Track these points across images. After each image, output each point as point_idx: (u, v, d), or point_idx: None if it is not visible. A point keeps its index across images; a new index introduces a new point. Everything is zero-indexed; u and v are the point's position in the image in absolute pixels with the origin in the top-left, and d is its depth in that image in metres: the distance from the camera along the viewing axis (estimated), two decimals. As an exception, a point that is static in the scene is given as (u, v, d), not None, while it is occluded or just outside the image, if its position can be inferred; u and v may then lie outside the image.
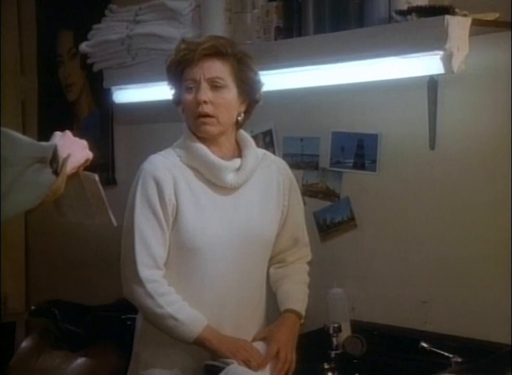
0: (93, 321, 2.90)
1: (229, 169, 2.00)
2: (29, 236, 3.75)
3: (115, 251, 3.27)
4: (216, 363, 1.91)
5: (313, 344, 2.18)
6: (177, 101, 2.07)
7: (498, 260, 2.17)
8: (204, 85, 1.96)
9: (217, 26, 2.45)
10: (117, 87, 2.90)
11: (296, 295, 2.09)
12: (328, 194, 2.53)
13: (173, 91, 2.08)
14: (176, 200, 1.96)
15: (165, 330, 1.94)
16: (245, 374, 1.89)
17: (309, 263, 2.20)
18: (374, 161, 2.40)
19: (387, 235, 2.41)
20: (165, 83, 2.66)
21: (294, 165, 2.57)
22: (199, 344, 1.93)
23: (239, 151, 2.06)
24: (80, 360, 2.79)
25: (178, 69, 2.01)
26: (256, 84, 2.03)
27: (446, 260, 2.27)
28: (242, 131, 2.09)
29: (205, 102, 1.95)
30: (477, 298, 2.20)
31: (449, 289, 2.26)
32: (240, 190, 2.03)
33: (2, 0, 3.53)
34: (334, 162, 2.50)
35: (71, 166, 1.65)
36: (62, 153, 1.62)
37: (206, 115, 1.97)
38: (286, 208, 2.11)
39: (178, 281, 1.97)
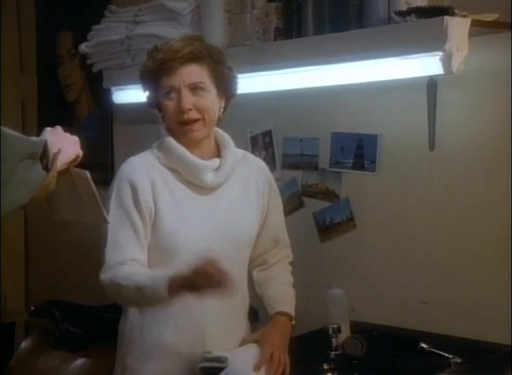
0: (93, 322, 2.90)
1: (208, 169, 2.00)
2: (29, 237, 3.75)
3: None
4: (210, 364, 1.91)
5: (312, 344, 2.18)
6: (153, 104, 2.06)
7: (498, 261, 2.17)
8: (185, 91, 1.95)
9: (217, 27, 2.45)
10: (117, 87, 2.90)
11: (284, 297, 2.09)
12: (328, 195, 2.53)
13: (147, 94, 2.07)
14: (154, 202, 1.96)
15: (141, 304, 1.94)
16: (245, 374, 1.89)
17: (290, 263, 2.20)
18: (373, 162, 2.40)
19: (387, 235, 2.41)
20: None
21: (293, 166, 2.58)
22: (176, 295, 1.84)
23: (217, 151, 2.05)
24: (80, 361, 2.79)
25: (154, 77, 1.99)
26: (232, 80, 2.04)
27: (446, 261, 2.27)
28: (220, 131, 2.09)
29: (189, 109, 1.95)
30: (477, 298, 2.20)
31: (448, 289, 2.26)
32: (219, 190, 2.03)
33: (2, 0, 3.53)
34: (333, 162, 2.50)
35: (61, 161, 1.62)
36: (53, 148, 1.60)
37: (192, 121, 1.96)
38: (266, 208, 2.12)
39: None
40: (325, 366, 2.14)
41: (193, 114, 1.95)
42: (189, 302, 1.91)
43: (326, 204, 2.53)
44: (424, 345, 2.14)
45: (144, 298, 1.88)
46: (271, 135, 2.65)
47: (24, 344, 3.01)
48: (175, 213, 1.97)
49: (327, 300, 2.28)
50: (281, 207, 2.19)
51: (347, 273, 2.47)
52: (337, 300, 2.27)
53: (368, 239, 2.46)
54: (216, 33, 2.45)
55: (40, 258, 3.72)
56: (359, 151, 2.44)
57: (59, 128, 1.70)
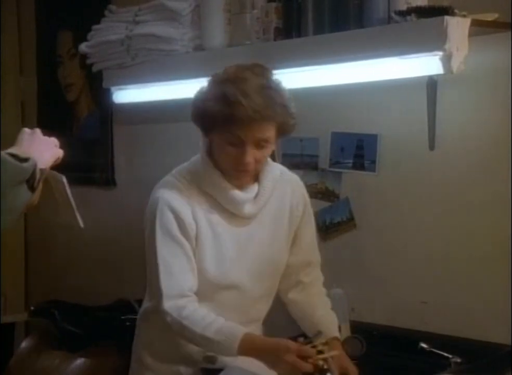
0: (93, 322, 2.90)
1: (247, 201, 1.96)
2: (29, 237, 3.75)
3: (115, 252, 3.30)
4: (211, 365, 1.92)
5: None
6: (203, 128, 1.94)
7: (497, 260, 2.17)
8: (251, 146, 1.87)
9: (217, 27, 2.45)
10: (117, 87, 2.90)
11: (334, 322, 2.06)
12: (328, 194, 2.53)
13: (201, 119, 1.92)
14: (196, 228, 1.93)
15: (205, 350, 1.92)
16: (244, 374, 1.89)
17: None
18: (373, 162, 2.40)
19: (386, 235, 2.41)
20: (164, 83, 2.70)
21: (293, 166, 2.57)
22: (245, 355, 1.87)
23: (256, 174, 1.99)
24: (79, 361, 2.79)
25: (223, 120, 1.85)
26: (294, 128, 1.95)
27: (446, 260, 2.27)
28: None
29: (250, 163, 1.90)
30: (477, 298, 2.20)
31: (448, 289, 2.26)
32: (253, 220, 2.00)
33: (2, 0, 3.53)
34: (333, 162, 2.50)
35: (40, 167, 1.60)
36: (29, 150, 1.58)
37: (248, 170, 1.93)
38: (299, 230, 2.09)
39: None
40: (325, 366, 2.13)
41: (251, 166, 1.90)
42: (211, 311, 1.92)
43: (326, 204, 2.53)
44: (424, 345, 2.14)
45: (208, 347, 1.89)
46: (271, 134, 2.65)
47: (24, 344, 3.01)
48: (214, 244, 1.94)
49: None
50: (314, 226, 2.16)
51: (347, 273, 2.47)
52: (337, 300, 2.27)
53: (368, 239, 2.45)
54: (216, 33, 2.45)
55: (40, 258, 3.71)
56: (359, 151, 2.44)
57: (37, 131, 1.68)
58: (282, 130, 1.92)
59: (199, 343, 1.89)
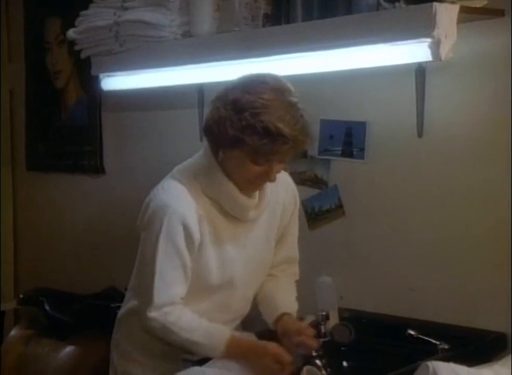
0: (82, 310, 2.90)
1: (252, 207, 1.95)
2: (18, 225, 3.74)
3: (104, 240, 3.29)
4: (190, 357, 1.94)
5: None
6: (219, 142, 1.87)
7: (485, 248, 2.17)
8: (276, 165, 1.86)
9: (205, 13, 2.43)
10: (105, 74, 2.87)
11: (293, 307, 2.08)
12: (316, 182, 2.53)
13: (223, 134, 1.83)
14: (200, 238, 1.91)
15: (188, 351, 1.93)
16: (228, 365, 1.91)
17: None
18: (362, 149, 2.40)
19: (375, 222, 2.41)
20: (153, 70, 2.68)
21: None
22: (231, 357, 1.90)
23: None
24: (68, 348, 2.80)
25: (262, 153, 1.81)
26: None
27: (434, 248, 2.28)
28: None
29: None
30: (464, 285, 2.21)
31: (436, 277, 2.27)
32: (252, 223, 2.00)
33: (-11, -12, 3.50)
34: (322, 150, 2.50)
35: None
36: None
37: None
38: (286, 229, 2.10)
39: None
40: (314, 353, 2.13)
41: (271, 182, 1.90)
42: (190, 304, 1.93)
43: (315, 191, 2.53)
44: (412, 332, 2.15)
45: (196, 351, 1.91)
46: (260, 122, 2.64)
47: (13, 332, 3.01)
48: (217, 250, 1.94)
49: (316, 288, 2.28)
50: (297, 225, 2.15)
51: (336, 261, 2.47)
52: (326, 287, 2.27)
53: (356, 226, 2.46)
54: (204, 19, 2.43)
55: (28, 246, 3.70)
56: (348, 139, 2.43)
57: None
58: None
59: (185, 346, 1.91)
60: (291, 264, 2.17)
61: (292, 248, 2.15)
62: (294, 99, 1.84)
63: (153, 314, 1.88)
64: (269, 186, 1.97)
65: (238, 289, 2.01)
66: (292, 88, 1.87)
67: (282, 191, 2.06)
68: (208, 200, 1.92)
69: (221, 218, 1.94)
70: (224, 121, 1.82)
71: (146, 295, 1.89)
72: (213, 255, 1.94)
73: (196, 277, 1.93)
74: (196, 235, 1.89)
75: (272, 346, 1.90)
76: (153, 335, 1.94)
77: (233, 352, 1.90)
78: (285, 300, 2.09)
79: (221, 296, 1.98)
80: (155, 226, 1.88)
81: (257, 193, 1.97)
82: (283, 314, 2.04)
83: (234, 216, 1.95)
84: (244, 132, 1.79)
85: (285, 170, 2.03)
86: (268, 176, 1.86)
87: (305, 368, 1.91)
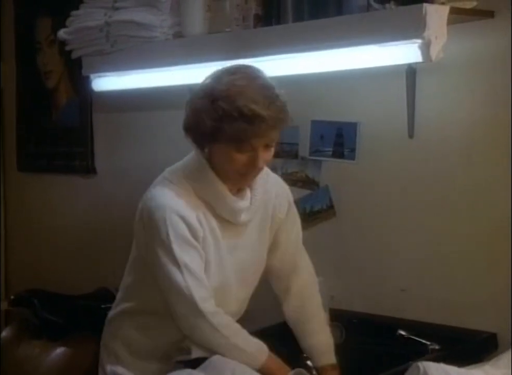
0: (73, 311, 2.89)
1: (244, 209, 1.94)
2: (9, 227, 3.73)
3: (95, 240, 3.28)
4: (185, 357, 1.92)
5: (292, 332, 2.19)
6: (200, 136, 1.87)
7: (476, 247, 2.18)
8: (262, 151, 1.84)
9: (196, 14, 2.43)
10: (96, 74, 2.87)
11: (330, 346, 2.07)
12: (308, 183, 2.53)
13: (200, 125, 1.84)
14: (203, 233, 1.91)
15: (229, 358, 1.89)
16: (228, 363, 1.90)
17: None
18: (353, 150, 2.40)
19: (366, 223, 2.42)
20: (144, 70, 2.68)
21: (274, 154, 2.57)
22: (263, 371, 1.89)
23: None
24: (59, 350, 2.78)
25: (234, 129, 1.79)
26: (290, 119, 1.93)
27: (424, 248, 2.28)
28: None
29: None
30: (455, 286, 2.22)
31: (427, 277, 2.28)
32: (243, 226, 1.99)
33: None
34: (313, 150, 2.50)
35: None
36: None
37: (258, 174, 1.91)
38: (281, 234, 2.08)
39: None
40: (305, 354, 2.14)
41: (259, 170, 1.89)
42: None
43: (306, 192, 2.54)
44: (402, 332, 2.16)
45: (237, 357, 1.87)
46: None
47: (4, 333, 2.99)
48: (216, 252, 1.93)
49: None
50: (299, 229, 2.12)
51: (326, 261, 2.47)
52: (317, 288, 2.27)
53: (347, 227, 2.46)
54: (195, 20, 2.43)
55: (20, 247, 3.69)
56: (339, 139, 2.44)
57: None
58: (281, 130, 1.90)
59: (230, 352, 1.87)
60: (301, 273, 2.10)
61: (296, 255, 2.11)
62: (268, 82, 1.85)
63: (203, 307, 1.84)
64: (259, 188, 1.97)
65: (232, 291, 2.00)
66: (265, 75, 1.87)
67: (273, 197, 2.04)
68: (202, 203, 1.92)
69: (215, 220, 1.94)
70: (200, 114, 1.84)
71: (180, 296, 1.85)
72: (214, 255, 1.93)
73: None
74: (197, 226, 1.89)
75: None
76: (194, 335, 1.89)
77: (268, 367, 1.88)
78: (318, 340, 2.07)
79: (215, 298, 1.98)
80: (158, 227, 1.87)
81: (249, 195, 1.96)
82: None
83: (224, 218, 1.94)
84: (222, 120, 1.80)
85: (276, 172, 2.02)
86: (255, 164, 1.85)
87: (294, 370, 1.91)
